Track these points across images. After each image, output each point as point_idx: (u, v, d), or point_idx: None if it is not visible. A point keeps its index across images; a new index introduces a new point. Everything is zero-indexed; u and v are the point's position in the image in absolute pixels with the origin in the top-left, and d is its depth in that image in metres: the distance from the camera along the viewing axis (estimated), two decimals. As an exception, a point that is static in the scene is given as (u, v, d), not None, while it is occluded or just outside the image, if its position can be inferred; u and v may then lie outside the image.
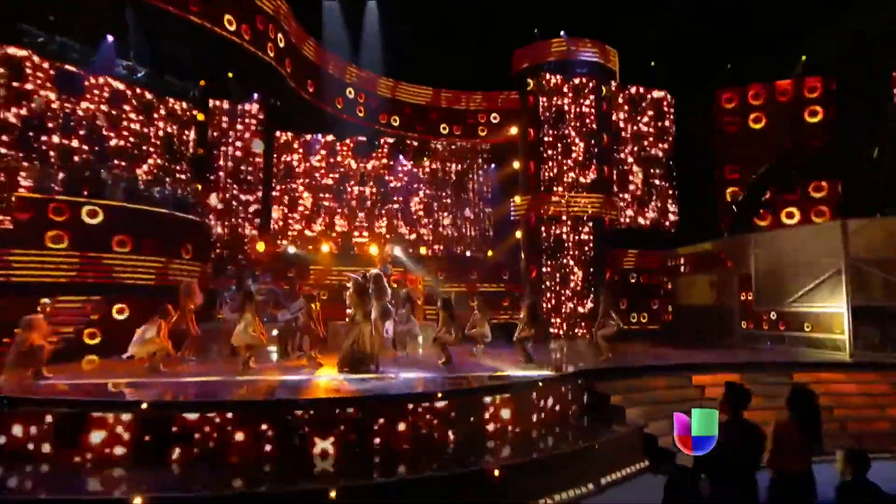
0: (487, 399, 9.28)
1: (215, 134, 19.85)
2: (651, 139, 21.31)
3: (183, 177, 19.04)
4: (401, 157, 21.23)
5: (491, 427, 9.19)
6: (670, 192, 21.46)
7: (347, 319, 11.88)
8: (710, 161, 21.05)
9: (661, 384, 12.70)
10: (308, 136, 20.57)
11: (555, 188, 19.09)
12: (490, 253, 21.06)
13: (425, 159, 21.52)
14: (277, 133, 20.61)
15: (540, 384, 10.38)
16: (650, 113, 21.30)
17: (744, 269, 16.99)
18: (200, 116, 19.92)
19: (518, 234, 20.53)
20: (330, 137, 20.83)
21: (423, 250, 20.50)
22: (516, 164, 20.77)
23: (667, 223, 21.47)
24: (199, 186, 19.50)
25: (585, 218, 18.98)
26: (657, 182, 21.31)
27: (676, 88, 21.34)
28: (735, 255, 17.25)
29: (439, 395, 8.94)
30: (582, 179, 19.11)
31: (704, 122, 21.14)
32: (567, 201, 18.90)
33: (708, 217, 20.89)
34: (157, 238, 14.69)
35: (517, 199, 20.09)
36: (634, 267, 20.70)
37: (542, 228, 19.17)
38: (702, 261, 18.64)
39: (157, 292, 13.86)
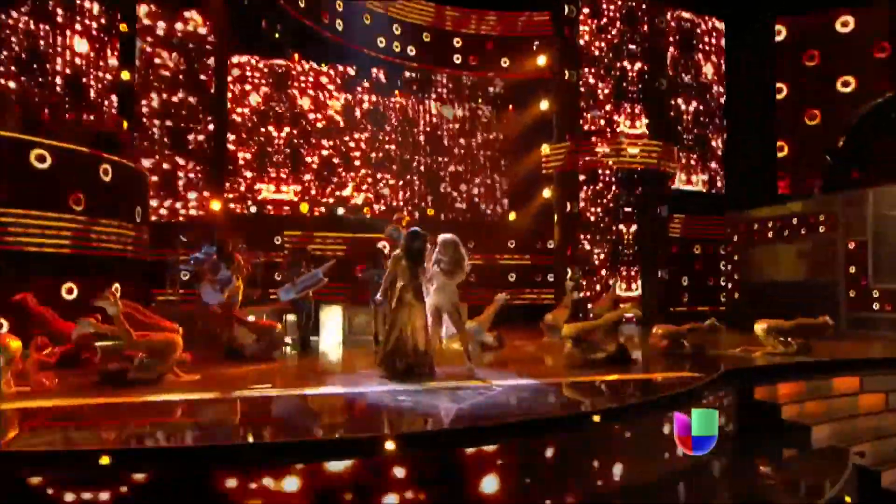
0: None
1: (147, 50, 14.89)
2: (700, 77, 17.72)
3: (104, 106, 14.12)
4: (396, 91, 16.79)
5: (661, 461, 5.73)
6: (720, 143, 18.01)
7: (379, 297, 7.71)
8: (770, 106, 17.71)
9: (824, 388, 9.17)
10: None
11: (597, 135, 15.30)
12: (512, 216, 16.95)
13: (424, 96, 17.15)
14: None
15: (705, 392, 7.00)
16: (700, 45, 17.71)
17: (853, 236, 13.71)
18: (123, 27, 14.98)
19: (546, 193, 16.62)
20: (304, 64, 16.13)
21: (429, 212, 16.26)
22: (544, 105, 16.81)
23: (718, 182, 18.07)
24: (125, 122, 14.68)
25: (639, 171, 15.26)
26: (707, 132, 17.81)
27: (729, 16, 17.79)
28: (841, 218, 13.94)
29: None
30: (631, 124, 15.37)
31: (764, 58, 17.70)
32: (617, 149, 15.10)
33: (765, 175, 17.64)
34: (72, 188, 10.42)
35: (546, 148, 16.14)
36: (681, 235, 17.13)
37: (583, 184, 15.38)
38: (785, 226, 15.24)
39: (72, 264, 10.21)
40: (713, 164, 17.97)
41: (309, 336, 10.30)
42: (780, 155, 17.77)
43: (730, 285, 16.81)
